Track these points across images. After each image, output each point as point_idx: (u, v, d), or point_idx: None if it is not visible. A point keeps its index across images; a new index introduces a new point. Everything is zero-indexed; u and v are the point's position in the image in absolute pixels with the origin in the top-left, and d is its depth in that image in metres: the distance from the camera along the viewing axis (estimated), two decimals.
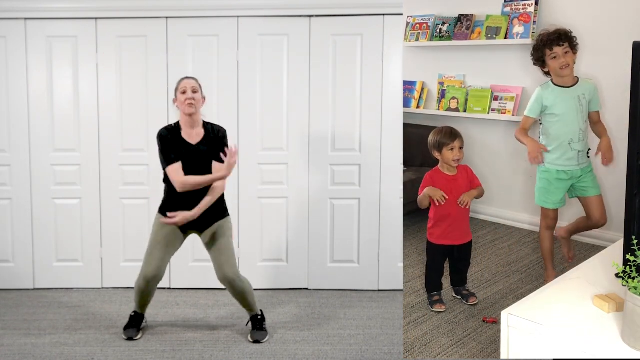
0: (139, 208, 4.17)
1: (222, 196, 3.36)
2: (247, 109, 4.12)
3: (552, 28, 3.40)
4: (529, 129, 3.53)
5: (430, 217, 3.51)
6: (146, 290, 3.34)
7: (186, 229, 3.33)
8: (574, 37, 3.39)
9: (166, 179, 3.30)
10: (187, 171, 3.23)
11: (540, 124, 3.53)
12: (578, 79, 3.42)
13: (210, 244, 3.32)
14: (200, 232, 3.35)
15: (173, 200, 3.28)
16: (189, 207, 3.24)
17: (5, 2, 4.01)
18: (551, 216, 3.58)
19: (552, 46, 3.33)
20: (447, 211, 3.42)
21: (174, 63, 4.06)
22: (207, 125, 3.32)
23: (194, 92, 3.23)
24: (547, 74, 3.47)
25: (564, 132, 3.40)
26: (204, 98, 3.32)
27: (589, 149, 3.49)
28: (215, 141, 3.29)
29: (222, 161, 3.22)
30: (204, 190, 3.25)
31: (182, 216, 3.22)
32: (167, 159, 3.23)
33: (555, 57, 3.34)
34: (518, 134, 3.52)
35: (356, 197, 4.20)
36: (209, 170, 3.26)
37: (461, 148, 3.42)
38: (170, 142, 3.25)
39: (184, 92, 3.22)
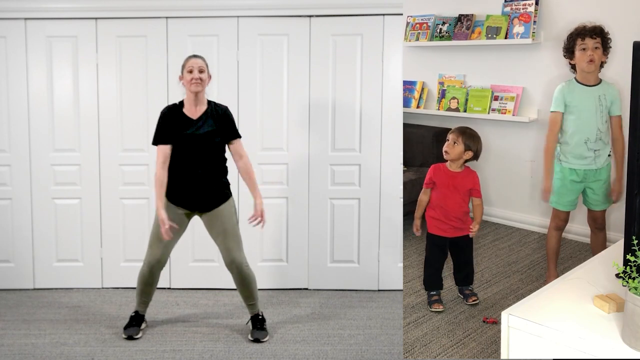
0: (139, 208, 4.16)
1: (225, 181, 3.36)
2: (247, 109, 4.11)
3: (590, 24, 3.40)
4: (559, 128, 3.44)
5: (429, 203, 3.57)
6: (149, 278, 3.36)
7: (190, 212, 3.34)
8: (609, 38, 3.38)
9: (169, 166, 3.29)
10: (185, 145, 3.23)
11: None
12: (601, 80, 3.41)
13: (216, 228, 3.33)
14: (203, 213, 3.34)
15: (176, 184, 3.28)
16: (192, 193, 3.26)
17: (5, 2, 4.00)
18: (562, 217, 3.59)
19: (585, 36, 3.32)
20: (442, 202, 3.46)
21: (174, 63, 4.05)
22: (210, 103, 3.34)
23: (201, 71, 3.25)
24: (573, 68, 3.44)
25: (580, 130, 3.37)
26: (209, 77, 3.34)
27: (610, 151, 3.47)
28: (219, 119, 3.30)
29: (230, 137, 3.33)
30: (207, 177, 3.27)
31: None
32: (156, 138, 3.27)
33: (584, 49, 3.31)
34: (547, 152, 3.49)
35: (356, 197, 4.20)
36: (206, 145, 3.25)
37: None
38: (168, 122, 3.26)
39: (190, 71, 3.24)
